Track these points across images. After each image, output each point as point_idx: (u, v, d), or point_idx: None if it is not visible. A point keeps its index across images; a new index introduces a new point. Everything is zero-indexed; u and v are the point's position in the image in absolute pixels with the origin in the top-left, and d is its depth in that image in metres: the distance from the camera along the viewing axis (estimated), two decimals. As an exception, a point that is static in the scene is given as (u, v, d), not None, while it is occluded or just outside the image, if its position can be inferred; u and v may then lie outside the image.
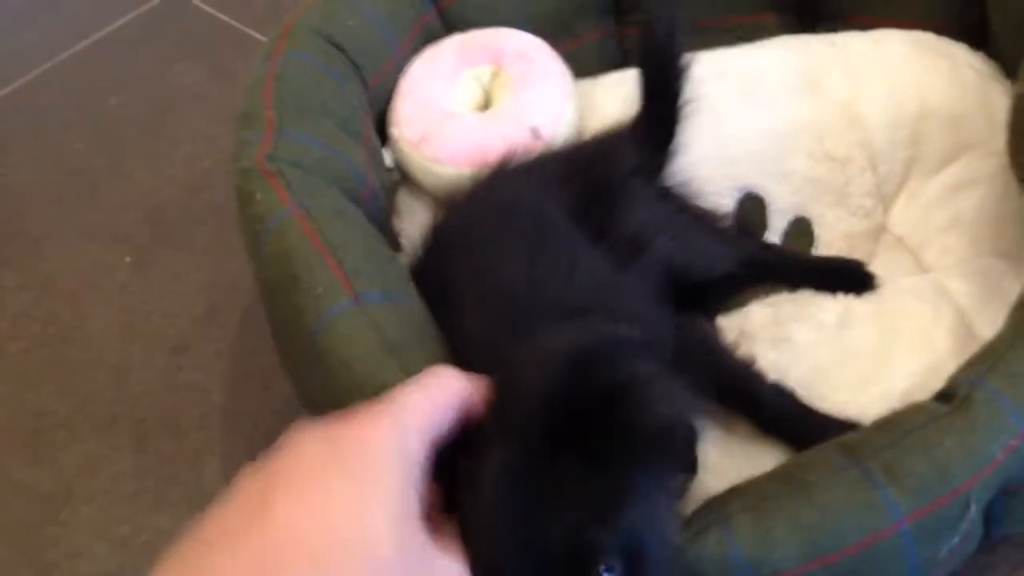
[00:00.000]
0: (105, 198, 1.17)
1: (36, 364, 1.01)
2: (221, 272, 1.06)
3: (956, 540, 0.64)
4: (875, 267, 0.86)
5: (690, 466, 0.70)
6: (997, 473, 0.62)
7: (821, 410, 0.72)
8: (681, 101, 0.84)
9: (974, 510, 0.63)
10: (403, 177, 0.92)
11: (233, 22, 1.38)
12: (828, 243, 0.87)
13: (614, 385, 0.49)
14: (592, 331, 0.56)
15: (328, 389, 0.63)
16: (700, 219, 0.83)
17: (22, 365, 1.01)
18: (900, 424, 0.64)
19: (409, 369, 0.61)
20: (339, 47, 0.86)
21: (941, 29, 0.92)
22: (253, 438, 0.91)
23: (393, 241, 0.85)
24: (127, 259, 1.10)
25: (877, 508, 0.60)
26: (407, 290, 0.69)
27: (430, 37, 0.95)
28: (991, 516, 0.68)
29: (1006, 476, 0.63)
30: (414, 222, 0.87)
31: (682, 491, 0.68)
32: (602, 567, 0.46)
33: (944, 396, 0.65)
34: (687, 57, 0.83)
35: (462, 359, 0.64)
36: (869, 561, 0.61)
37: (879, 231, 0.88)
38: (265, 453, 0.46)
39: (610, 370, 0.50)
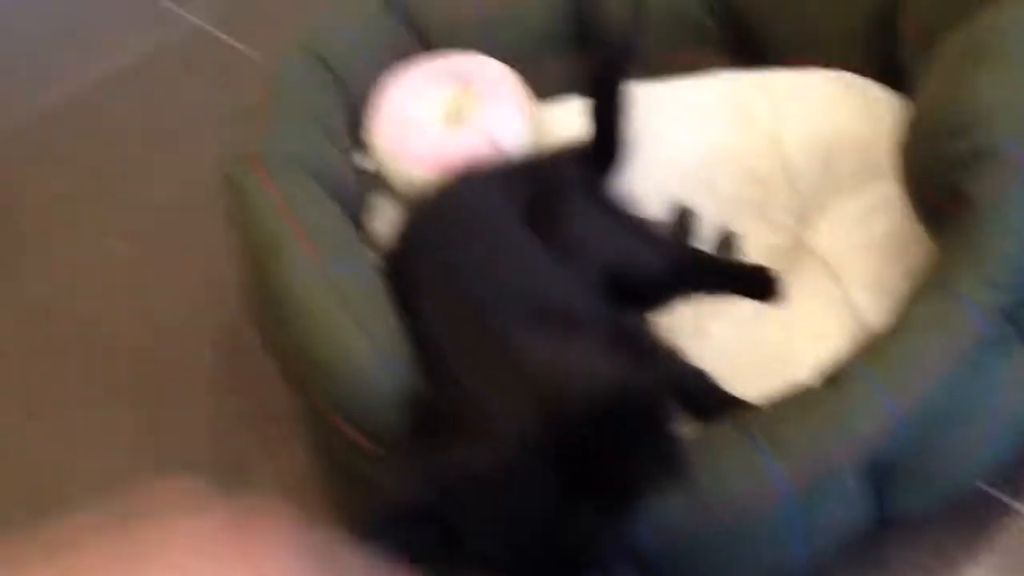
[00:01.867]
0: (119, 202, 1.29)
1: (47, 340, 1.13)
2: (217, 268, 1.16)
3: (837, 508, 0.73)
4: (794, 280, 0.96)
5: None
6: (871, 447, 0.72)
7: (730, 391, 0.82)
8: (623, 126, 0.96)
9: (850, 479, 0.72)
10: (376, 181, 1.03)
11: (241, 47, 1.49)
12: (752, 255, 0.97)
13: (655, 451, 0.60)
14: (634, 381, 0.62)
15: (293, 343, 0.74)
16: (637, 228, 0.93)
17: (34, 340, 1.13)
18: (785, 401, 0.74)
19: (362, 324, 0.73)
20: (324, 62, 0.98)
21: (862, 71, 1.03)
22: (237, 411, 1.01)
23: (364, 237, 0.96)
24: (135, 254, 1.21)
25: (760, 471, 0.70)
26: (368, 267, 0.80)
27: (407, 55, 1.07)
28: (878, 496, 0.77)
29: (881, 451, 0.73)
30: (383, 221, 0.98)
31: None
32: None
33: (828, 380, 0.75)
34: (631, 88, 0.94)
35: (427, 354, 0.75)
36: (757, 521, 0.71)
37: (799, 247, 0.98)
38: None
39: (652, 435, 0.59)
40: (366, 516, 0.61)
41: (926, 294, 0.77)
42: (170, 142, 1.35)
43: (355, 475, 0.78)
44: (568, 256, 0.84)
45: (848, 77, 1.02)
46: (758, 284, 0.91)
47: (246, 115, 0.94)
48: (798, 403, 0.73)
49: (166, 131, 1.37)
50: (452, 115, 1.03)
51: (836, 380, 0.74)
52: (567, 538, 0.59)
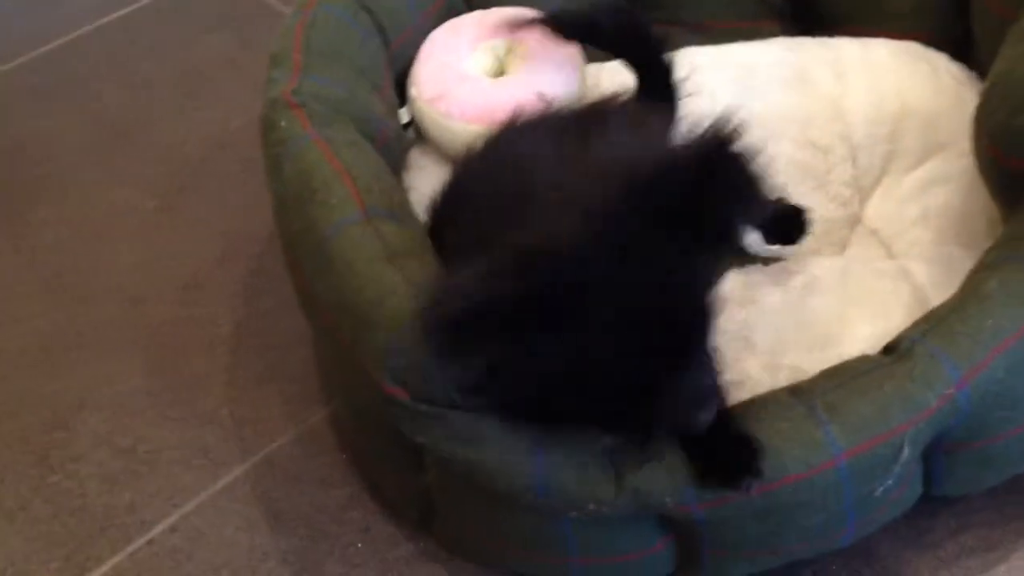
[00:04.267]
0: (136, 149, 1.25)
1: (59, 289, 1.08)
2: (238, 221, 1.13)
3: (891, 482, 0.69)
4: (848, 254, 0.92)
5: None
6: (932, 420, 0.68)
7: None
8: (670, 89, 0.91)
9: (907, 453, 0.68)
10: (417, 137, 0.99)
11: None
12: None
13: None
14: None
15: (333, 292, 0.70)
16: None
17: (47, 289, 1.08)
18: (846, 370, 0.70)
19: (407, 276, 0.68)
20: (367, 8, 0.94)
21: (928, 40, 0.99)
22: (255, 367, 0.98)
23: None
24: (152, 204, 1.17)
25: (818, 442, 0.66)
26: (410, 213, 0.76)
27: (452, 10, 1.03)
28: (931, 473, 0.74)
29: (941, 425, 0.69)
30: (424, 177, 0.94)
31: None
32: None
33: (889, 350, 0.72)
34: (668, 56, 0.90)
35: None
36: (809, 491, 0.67)
37: (855, 221, 0.94)
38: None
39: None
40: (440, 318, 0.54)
41: (996, 266, 0.73)
42: (194, 90, 1.32)
43: (387, 432, 0.74)
44: None
45: (916, 47, 0.98)
46: None
47: (277, 57, 0.90)
48: (858, 373, 0.69)
49: (190, 78, 1.34)
50: (499, 68, 0.99)
51: (899, 351, 0.70)
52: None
